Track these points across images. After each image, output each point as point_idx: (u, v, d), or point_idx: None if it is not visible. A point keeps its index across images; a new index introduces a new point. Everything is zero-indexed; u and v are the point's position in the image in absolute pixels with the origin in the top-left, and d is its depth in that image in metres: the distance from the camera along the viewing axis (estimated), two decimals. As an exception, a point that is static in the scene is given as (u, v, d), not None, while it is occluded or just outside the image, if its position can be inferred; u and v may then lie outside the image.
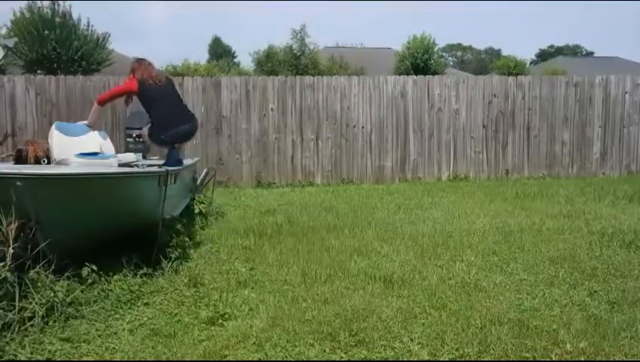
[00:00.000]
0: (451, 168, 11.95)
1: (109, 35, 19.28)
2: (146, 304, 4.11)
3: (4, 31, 17.71)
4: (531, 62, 50.04)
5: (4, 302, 3.48)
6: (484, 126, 11.98)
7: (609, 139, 12.32)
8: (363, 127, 11.67)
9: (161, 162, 6.44)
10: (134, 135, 7.83)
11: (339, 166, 11.67)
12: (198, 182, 7.88)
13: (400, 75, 16.51)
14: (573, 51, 64.40)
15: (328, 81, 11.69)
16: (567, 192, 9.53)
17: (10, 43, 13.67)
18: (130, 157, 6.82)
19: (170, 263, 4.83)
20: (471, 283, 4.57)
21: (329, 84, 11.63)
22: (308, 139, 11.54)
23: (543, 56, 63.39)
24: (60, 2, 18.05)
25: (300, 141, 11.52)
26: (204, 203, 7.38)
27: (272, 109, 11.41)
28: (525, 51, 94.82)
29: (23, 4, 18.19)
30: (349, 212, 7.96)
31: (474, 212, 7.85)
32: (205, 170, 8.53)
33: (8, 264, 3.60)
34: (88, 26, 18.55)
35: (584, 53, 64.47)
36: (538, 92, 12.11)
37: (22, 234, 3.81)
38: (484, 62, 63.32)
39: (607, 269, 4.92)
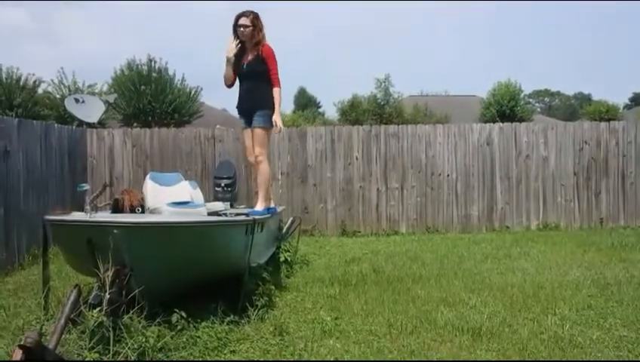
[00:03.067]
0: (541, 217, 11.56)
1: (201, 89, 20.16)
2: (233, 351, 4.15)
3: (105, 88, 18.91)
4: (625, 107, 48.27)
5: (100, 346, 3.61)
6: (574, 173, 11.57)
7: None
8: (448, 176, 11.53)
9: (248, 210, 6.58)
10: (223, 184, 8.05)
11: (424, 215, 11.54)
12: (284, 230, 7.97)
13: (485, 122, 16.32)
14: (671, 94, 61.55)
15: (413, 130, 11.68)
16: (669, 243, 8.99)
17: (111, 99, 14.56)
18: (218, 205, 7.00)
19: (256, 311, 4.88)
20: (565, 338, 4.36)
21: (413, 133, 11.61)
22: (393, 188, 11.51)
23: (638, 100, 60.98)
24: (157, 59, 19.13)
25: (385, 189, 11.50)
26: (289, 251, 7.45)
27: (356, 158, 11.49)
28: (618, 95, 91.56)
29: (124, 62, 19.37)
30: (435, 261, 7.83)
31: (566, 263, 7.54)
32: (291, 218, 8.62)
33: (105, 309, 3.75)
34: (182, 80, 19.50)
35: (683, 96, 61.52)
36: (633, 137, 11.61)
37: (117, 280, 3.97)
38: (574, 108, 61.55)
39: None
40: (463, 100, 34.75)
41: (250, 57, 6.30)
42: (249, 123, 6.38)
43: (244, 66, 6.32)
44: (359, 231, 11.35)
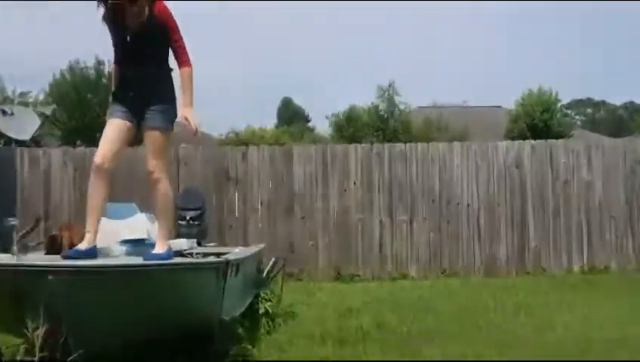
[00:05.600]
0: (585, 257, 11.56)
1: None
2: None
3: (41, 97, 18.88)
4: (689, 118, 48.76)
5: None
6: (627, 202, 11.62)
7: None
8: (468, 205, 11.54)
9: (220, 250, 6.52)
10: (188, 217, 7.99)
11: (438, 254, 11.52)
12: (264, 274, 7.92)
13: (513, 139, 16.42)
14: None
15: (424, 149, 11.71)
16: None
17: (48, 111, 14.49)
18: (182, 244, 6.94)
19: (228, 377, 4.82)
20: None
21: (425, 153, 11.64)
22: (399, 221, 11.49)
23: None
24: (106, 61, 19.15)
25: (390, 223, 11.48)
26: (271, 300, 7.39)
27: (354, 184, 11.49)
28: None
29: (65, 65, 19.33)
30: (453, 313, 7.79)
31: (620, 315, 7.51)
32: (273, 259, 8.57)
33: (32, 379, 3.66)
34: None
35: None
36: (701, 155, 11.73)
37: (51, 340, 3.88)
38: (623, 121, 62.15)
39: None
40: (485, 112, 35.05)
41: (134, 23, 5.07)
42: (130, 115, 5.30)
43: (128, 38, 5.13)
44: (358, 275, 11.31)
